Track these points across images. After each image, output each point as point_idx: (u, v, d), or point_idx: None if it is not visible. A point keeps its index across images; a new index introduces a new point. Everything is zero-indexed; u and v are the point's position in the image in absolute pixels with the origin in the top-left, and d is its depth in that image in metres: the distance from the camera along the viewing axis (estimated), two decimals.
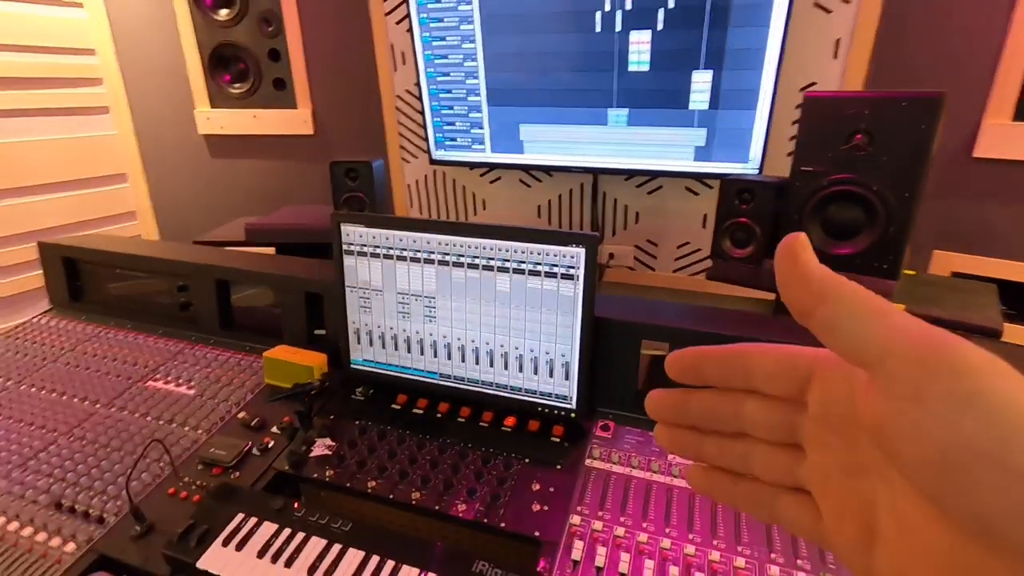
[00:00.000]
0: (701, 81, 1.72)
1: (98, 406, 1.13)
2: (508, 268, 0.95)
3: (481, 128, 2.04)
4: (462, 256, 0.97)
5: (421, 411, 1.06)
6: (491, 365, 1.01)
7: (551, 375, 0.98)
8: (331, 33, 2.23)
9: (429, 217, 2.43)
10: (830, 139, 1.11)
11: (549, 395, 0.99)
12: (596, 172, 2.01)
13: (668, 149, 1.85)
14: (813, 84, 1.77)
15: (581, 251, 0.90)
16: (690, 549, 0.77)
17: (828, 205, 1.14)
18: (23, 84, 2.15)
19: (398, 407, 1.08)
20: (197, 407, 1.11)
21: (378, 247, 1.03)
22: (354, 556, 0.76)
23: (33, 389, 1.19)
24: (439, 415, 1.05)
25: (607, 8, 1.69)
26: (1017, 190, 1.58)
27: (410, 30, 2.12)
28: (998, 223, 1.61)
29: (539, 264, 0.93)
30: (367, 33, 2.19)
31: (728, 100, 1.72)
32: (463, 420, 1.03)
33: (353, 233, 1.04)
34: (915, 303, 1.13)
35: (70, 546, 0.83)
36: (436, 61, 1.98)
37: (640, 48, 1.73)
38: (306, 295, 1.22)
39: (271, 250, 1.67)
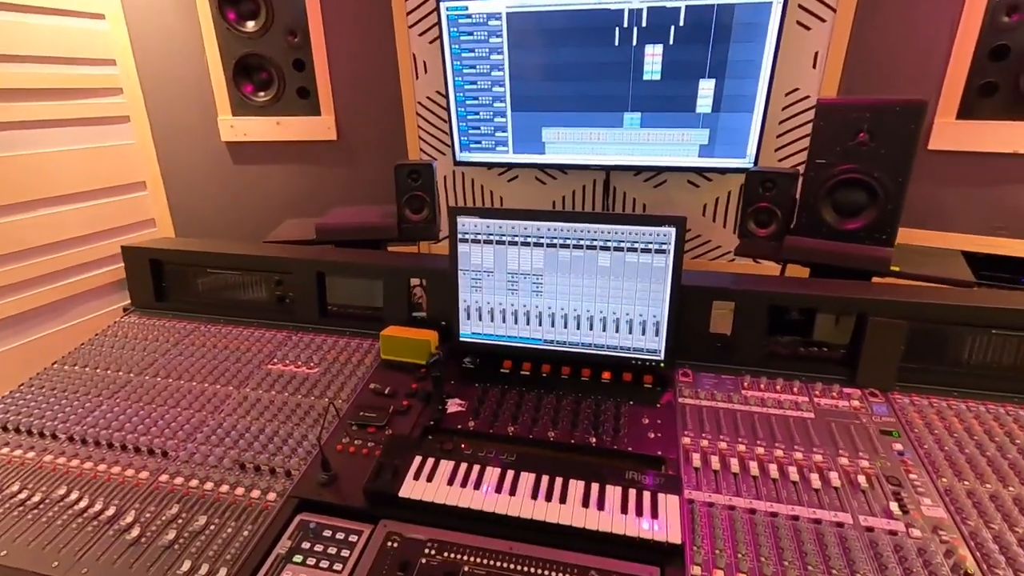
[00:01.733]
0: (706, 88, 1.98)
1: (230, 388, 1.26)
2: (609, 247, 1.16)
3: (505, 131, 2.24)
4: (568, 239, 1.18)
5: (528, 373, 1.26)
6: (591, 328, 1.22)
7: (643, 333, 1.19)
8: (355, 44, 2.36)
9: None
10: (838, 137, 1.39)
11: (641, 350, 1.21)
12: (610, 169, 2.24)
13: (676, 147, 2.11)
14: (796, 90, 2.07)
15: (672, 230, 1.12)
16: (779, 453, 1.01)
17: (837, 190, 1.42)
18: (44, 95, 2.16)
19: (506, 371, 1.27)
20: (327, 382, 1.26)
21: (491, 234, 1.21)
22: (527, 477, 0.95)
23: (158, 379, 1.30)
24: (544, 375, 1.25)
25: (625, 25, 1.93)
26: (962, 175, 1.93)
27: (436, 40, 2.29)
28: (948, 203, 1.97)
29: (636, 243, 1.14)
30: (390, 44, 2.33)
31: (728, 104, 2.00)
32: (566, 377, 1.24)
33: (468, 224, 1.22)
34: (905, 266, 1.43)
35: (271, 495, 0.97)
36: (465, 71, 2.16)
37: (653, 60, 1.98)
38: (407, 282, 1.39)
39: (331, 247, 1.80)
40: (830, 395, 1.15)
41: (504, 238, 1.21)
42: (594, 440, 1.06)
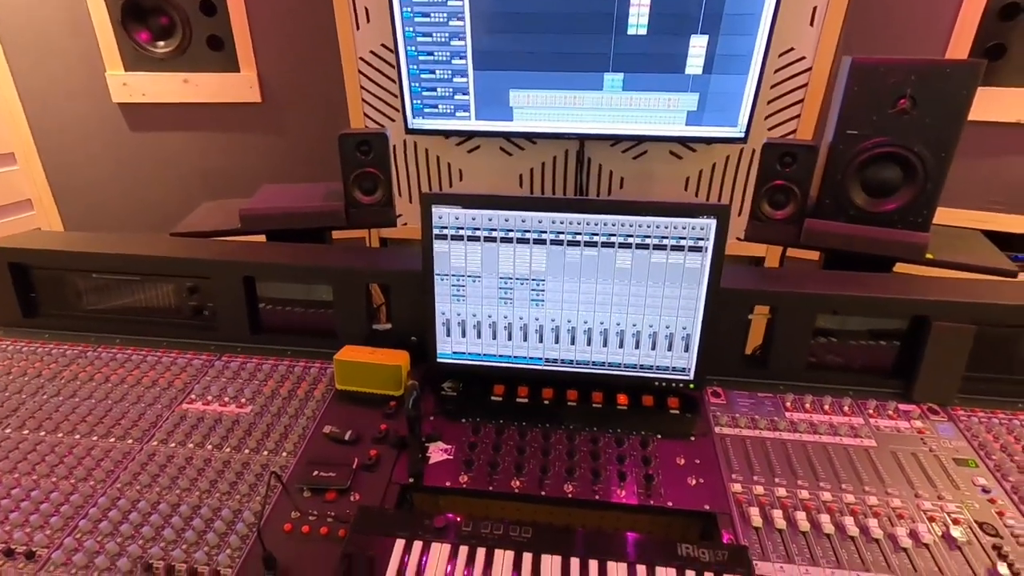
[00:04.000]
0: (697, 45, 1.75)
1: (129, 441, 0.94)
2: (631, 244, 0.91)
3: (466, 94, 1.92)
4: (578, 234, 0.92)
5: (525, 400, 1.01)
6: (604, 345, 0.98)
7: (669, 348, 0.97)
8: None
9: (400, 191, 2.26)
10: (874, 103, 1.19)
11: (666, 368, 0.98)
12: (586, 138, 1.99)
13: (661, 114, 1.88)
14: (791, 50, 1.87)
15: (712, 222, 0.88)
16: (850, 499, 0.82)
17: (868, 166, 1.24)
18: None
19: (498, 398, 1.02)
20: (266, 426, 0.96)
21: (477, 229, 0.94)
22: (551, 561, 0.72)
23: (25, 432, 0.96)
24: (546, 402, 1.01)
25: None
26: (960, 146, 1.81)
27: None
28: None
29: (665, 238, 0.90)
30: None
31: (721, 65, 1.77)
32: (573, 403, 1.00)
33: (447, 215, 0.93)
34: (931, 250, 1.27)
35: None
36: (417, 20, 1.81)
37: (640, 11, 1.72)
38: (366, 288, 1.09)
39: (261, 238, 1.46)
40: (887, 414, 0.97)
41: (495, 233, 0.93)
42: (623, 494, 0.83)
